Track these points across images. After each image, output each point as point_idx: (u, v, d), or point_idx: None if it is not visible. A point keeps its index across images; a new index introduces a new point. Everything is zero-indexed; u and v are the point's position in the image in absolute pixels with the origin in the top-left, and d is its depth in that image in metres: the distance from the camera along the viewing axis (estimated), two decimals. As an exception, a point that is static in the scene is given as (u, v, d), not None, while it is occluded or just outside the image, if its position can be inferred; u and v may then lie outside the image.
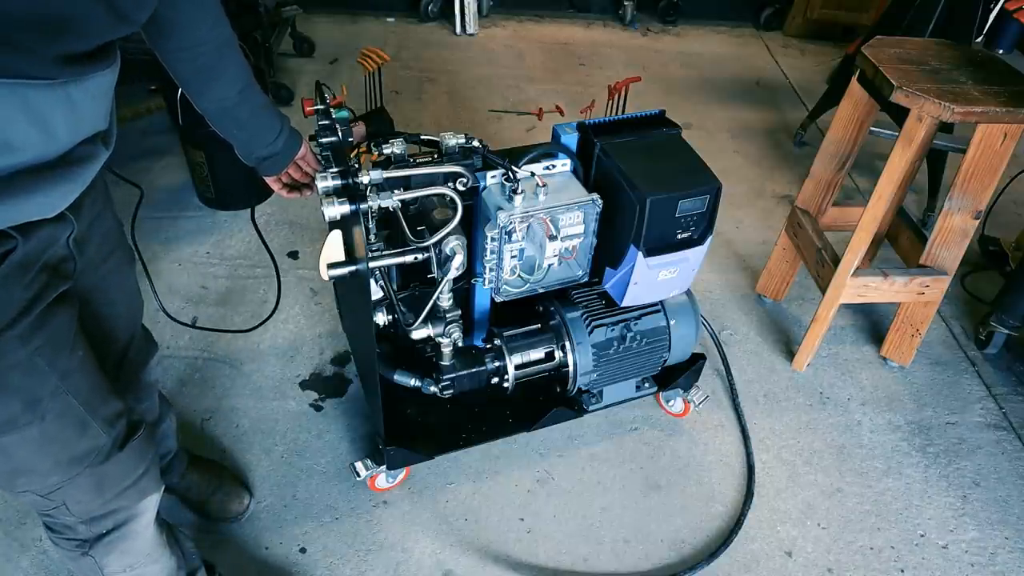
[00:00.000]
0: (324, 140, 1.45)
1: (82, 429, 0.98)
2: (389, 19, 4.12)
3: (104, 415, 1.02)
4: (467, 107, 3.40)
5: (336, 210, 1.25)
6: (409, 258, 1.37)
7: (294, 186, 1.43)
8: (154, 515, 1.21)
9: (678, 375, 1.87)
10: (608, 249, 1.51)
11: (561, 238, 1.43)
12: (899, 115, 2.30)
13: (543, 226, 1.41)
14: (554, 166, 1.50)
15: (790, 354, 2.26)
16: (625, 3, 4.26)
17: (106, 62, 0.84)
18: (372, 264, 1.33)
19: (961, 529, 1.85)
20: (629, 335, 1.66)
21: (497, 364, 1.63)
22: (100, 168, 0.92)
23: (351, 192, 1.29)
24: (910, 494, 1.92)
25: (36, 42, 0.73)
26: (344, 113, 1.45)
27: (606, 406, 1.80)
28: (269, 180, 1.39)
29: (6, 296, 0.84)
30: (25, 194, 0.80)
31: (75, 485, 1.03)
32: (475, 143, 1.46)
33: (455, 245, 1.35)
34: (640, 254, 1.43)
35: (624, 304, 1.56)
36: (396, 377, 1.64)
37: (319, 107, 1.47)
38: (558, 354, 1.66)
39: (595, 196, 1.43)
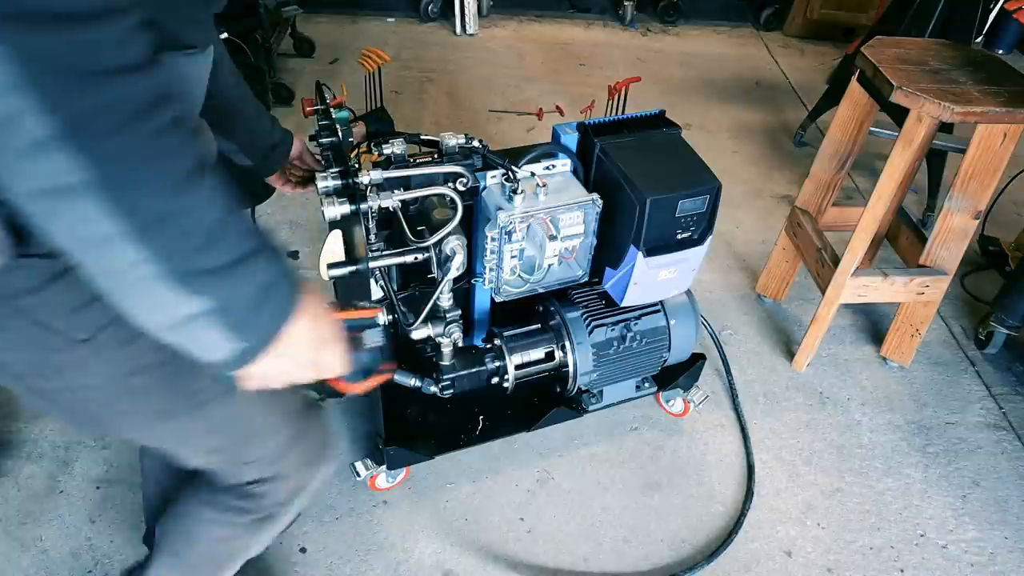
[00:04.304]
0: (324, 140, 1.45)
1: None
2: (389, 19, 4.13)
3: None
4: (467, 107, 3.40)
5: (336, 210, 1.25)
6: (409, 258, 1.37)
7: (301, 181, 1.43)
8: None
9: (678, 375, 1.87)
10: (608, 249, 1.51)
11: (561, 238, 1.43)
12: (899, 115, 2.30)
13: (543, 226, 1.41)
14: (554, 166, 1.50)
15: (790, 354, 2.26)
16: (625, 3, 4.27)
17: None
18: (372, 264, 1.33)
19: (961, 529, 1.85)
20: (629, 335, 1.66)
21: (497, 364, 1.63)
22: None
23: (351, 192, 1.29)
24: (910, 494, 1.92)
25: (203, 12, 0.78)
26: (344, 113, 1.45)
27: (606, 406, 1.80)
28: (274, 181, 1.39)
29: None
30: None
31: (293, 453, 1.02)
32: (475, 143, 1.46)
33: (455, 245, 1.35)
34: (640, 254, 1.43)
35: (624, 304, 1.56)
36: (396, 377, 1.64)
37: (319, 107, 1.48)
38: (558, 354, 1.66)
39: (595, 196, 1.43)
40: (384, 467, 1.68)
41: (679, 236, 1.47)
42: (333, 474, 1.77)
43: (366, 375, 0.85)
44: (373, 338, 0.83)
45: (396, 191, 1.33)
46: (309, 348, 0.74)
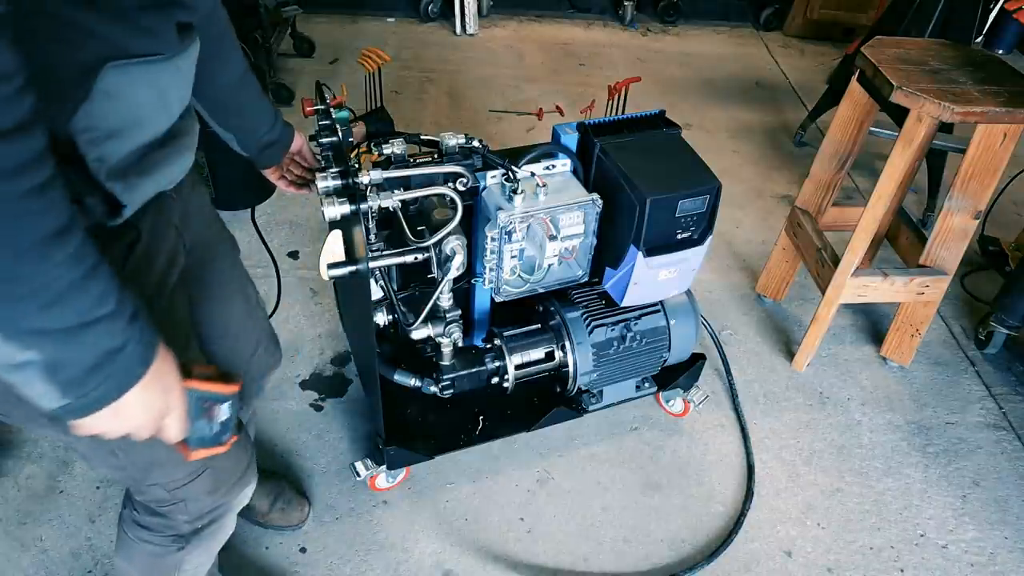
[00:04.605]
0: (324, 140, 1.45)
1: None
2: (389, 19, 4.13)
3: None
4: (467, 107, 3.40)
5: (336, 210, 1.25)
6: (409, 258, 1.37)
7: (298, 182, 1.42)
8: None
9: (678, 375, 1.87)
10: (608, 249, 1.51)
11: (561, 238, 1.43)
12: (899, 115, 2.30)
13: (543, 226, 1.41)
14: (554, 166, 1.50)
15: (790, 354, 2.26)
16: (625, 3, 4.27)
17: (195, 33, 0.87)
18: (372, 264, 1.33)
19: (961, 529, 1.85)
20: (629, 335, 1.66)
21: (497, 364, 1.63)
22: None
23: (351, 192, 1.29)
24: (910, 494, 1.92)
25: (158, 21, 0.76)
26: (344, 113, 1.45)
27: (606, 406, 1.80)
28: (271, 175, 1.38)
29: (136, 287, 0.83)
30: (155, 168, 0.83)
31: (198, 481, 1.05)
32: (475, 143, 1.46)
33: (455, 245, 1.35)
34: (640, 254, 1.43)
35: (624, 304, 1.56)
36: (396, 377, 1.64)
37: (319, 107, 1.47)
38: (558, 354, 1.66)
39: (595, 196, 1.43)
40: (384, 467, 1.68)
41: (679, 236, 1.47)
42: (333, 474, 1.79)
43: (210, 443, 0.88)
44: (223, 412, 0.86)
45: (396, 191, 1.33)
46: (146, 414, 0.74)
